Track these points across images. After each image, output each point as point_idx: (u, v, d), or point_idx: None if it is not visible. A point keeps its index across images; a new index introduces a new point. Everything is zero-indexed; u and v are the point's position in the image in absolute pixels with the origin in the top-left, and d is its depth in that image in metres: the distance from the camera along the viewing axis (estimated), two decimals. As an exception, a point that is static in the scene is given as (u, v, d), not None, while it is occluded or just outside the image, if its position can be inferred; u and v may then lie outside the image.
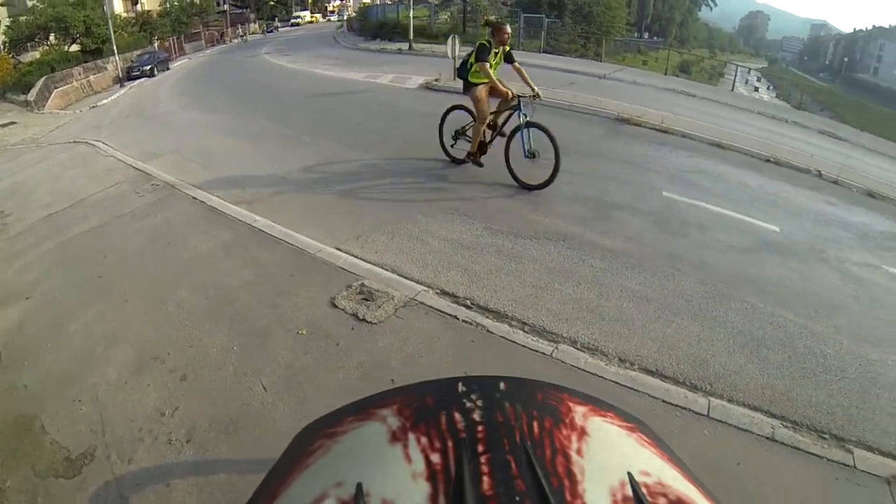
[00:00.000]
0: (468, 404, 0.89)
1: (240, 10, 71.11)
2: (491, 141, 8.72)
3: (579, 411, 0.91)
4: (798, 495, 3.73)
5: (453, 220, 7.45)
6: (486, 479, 0.70)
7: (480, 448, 0.77)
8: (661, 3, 66.87)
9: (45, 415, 4.55)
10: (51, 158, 15.37)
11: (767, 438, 4.23)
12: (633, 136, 11.86)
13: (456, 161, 9.39)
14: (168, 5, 53.84)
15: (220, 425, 4.11)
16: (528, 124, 7.92)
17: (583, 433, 0.83)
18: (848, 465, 4.02)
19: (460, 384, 0.96)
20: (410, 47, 30.72)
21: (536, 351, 4.80)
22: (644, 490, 0.70)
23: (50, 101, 30.33)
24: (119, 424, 4.29)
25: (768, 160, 11.41)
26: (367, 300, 5.55)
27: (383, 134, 12.32)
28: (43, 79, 31.24)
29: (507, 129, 8.35)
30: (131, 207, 9.25)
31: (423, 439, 0.81)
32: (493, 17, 37.98)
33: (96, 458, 4.00)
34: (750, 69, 43.90)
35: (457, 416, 0.86)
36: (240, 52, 43.73)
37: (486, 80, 8.09)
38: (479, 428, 0.82)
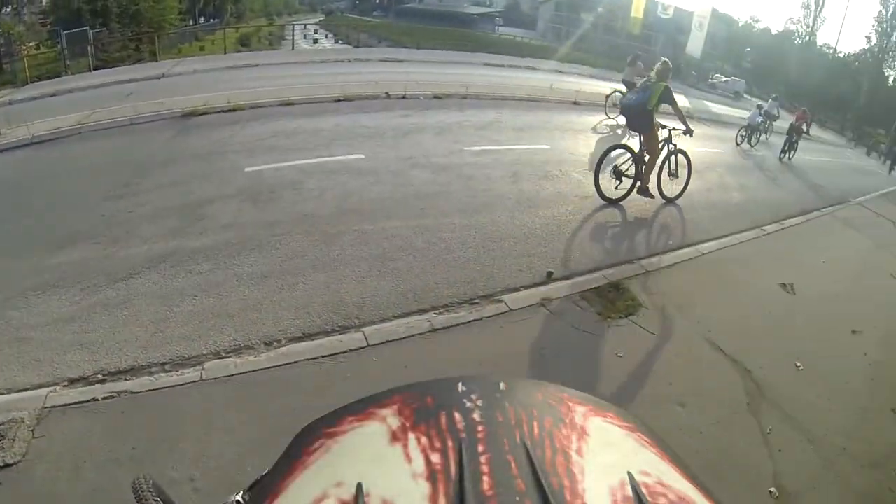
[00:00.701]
0: (468, 404, 0.83)
1: None
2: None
3: (579, 411, 0.86)
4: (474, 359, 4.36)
5: (48, 297, 6.56)
6: (486, 479, 0.66)
7: (480, 448, 0.73)
8: (210, -18, 64.99)
9: None
10: None
11: (428, 332, 4.69)
12: (204, 126, 11.45)
13: (611, 201, 8.97)
14: None
15: None
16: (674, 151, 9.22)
17: (583, 433, 0.80)
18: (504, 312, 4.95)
19: (460, 384, 0.89)
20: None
21: (186, 383, 4.47)
22: (644, 490, 0.68)
23: None
24: None
25: (338, 100, 12.08)
26: (-3, 438, 4.74)
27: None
28: None
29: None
30: None
31: (423, 439, 0.76)
32: (32, 45, 33.15)
33: None
34: (306, 24, 45.66)
35: (457, 416, 0.81)
36: None
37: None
38: (479, 428, 0.78)
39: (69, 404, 4.73)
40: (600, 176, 8.34)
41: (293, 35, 32.59)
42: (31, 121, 14.52)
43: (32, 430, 4.55)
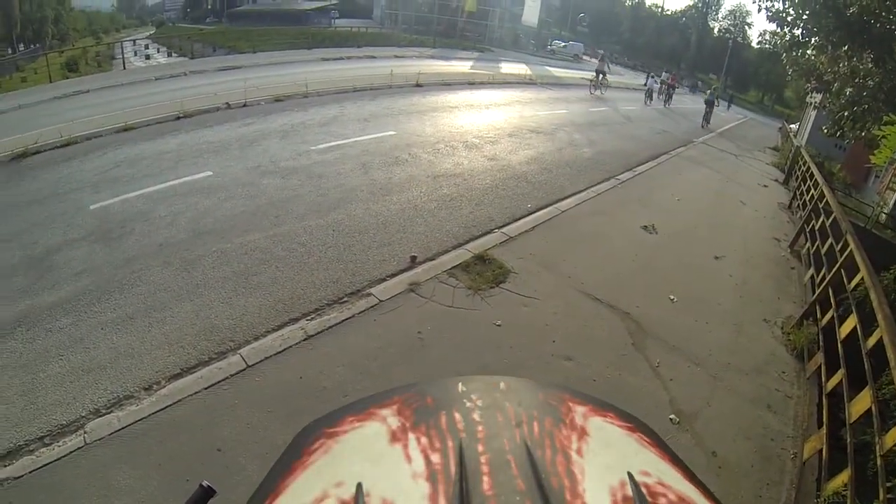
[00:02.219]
0: (468, 404, 0.87)
1: None
2: None
3: (579, 411, 0.89)
4: (358, 357, 4.37)
5: None
6: (486, 479, 0.69)
7: (480, 448, 0.75)
8: (28, 4, 59.76)
9: None
10: None
11: (304, 340, 4.77)
12: (37, 168, 10.35)
13: None
14: None
15: None
16: None
17: (583, 433, 0.82)
18: (374, 305, 5.06)
19: (460, 384, 0.94)
20: None
21: (71, 452, 4.09)
22: (644, 490, 0.70)
23: None
24: None
25: (179, 117, 11.62)
26: None
27: None
28: None
29: None
30: None
31: (423, 439, 0.78)
32: None
33: None
34: (136, 40, 43.13)
35: (457, 416, 0.83)
36: None
37: None
38: (479, 428, 0.81)
39: None
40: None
41: (123, 53, 30.79)
42: None
43: None
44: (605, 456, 0.80)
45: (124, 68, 27.35)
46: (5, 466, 4.16)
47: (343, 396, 4.15)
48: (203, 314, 5.14)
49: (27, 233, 7.64)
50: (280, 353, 4.77)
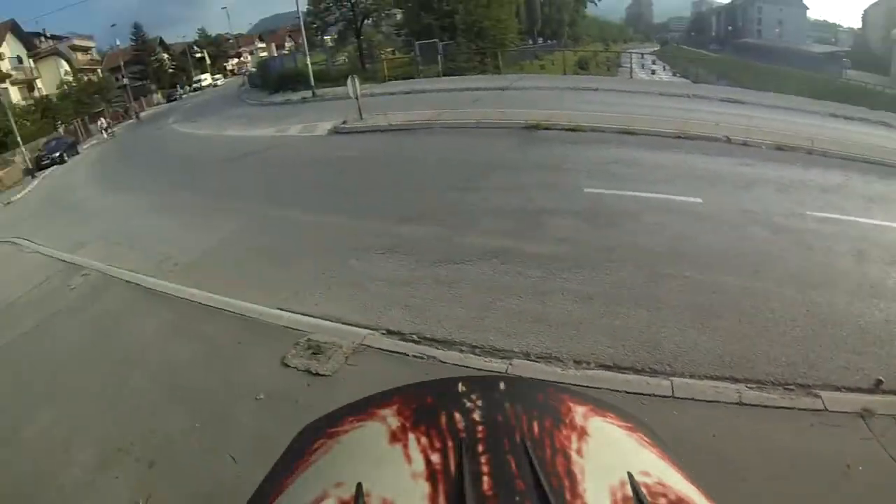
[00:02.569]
0: (468, 404, 0.86)
1: (140, 83, 70.06)
2: None
3: (579, 411, 0.87)
4: (779, 455, 3.82)
5: (386, 258, 7.50)
6: (486, 479, 0.68)
7: (480, 448, 0.75)
8: (548, 7, 68.83)
9: None
10: None
11: (736, 404, 4.38)
12: (546, 140, 12.15)
13: None
14: (66, 87, 52.61)
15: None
16: None
17: (583, 433, 0.80)
18: (819, 410, 4.20)
19: (460, 384, 0.89)
20: (314, 94, 30.67)
21: (491, 371, 4.80)
22: (644, 490, 0.68)
23: None
24: None
25: (678, 136, 11.80)
26: (316, 354, 5.48)
27: (303, 185, 12.35)
28: None
29: None
30: (66, 302, 8.95)
31: (423, 439, 0.78)
32: (389, 50, 38.49)
33: None
34: (643, 54, 45.15)
35: (457, 416, 0.83)
36: (146, 125, 43.00)
37: None
38: (479, 428, 0.79)
39: (381, 349, 5.41)
40: None
41: (631, 63, 32.29)
42: (389, 111, 16.70)
43: (346, 357, 5.29)
44: (605, 456, 0.76)
45: (631, 77, 28.70)
46: (437, 349, 5.27)
47: (741, 481, 3.71)
48: (653, 328, 5.15)
49: (527, 190, 9.13)
50: (708, 401, 4.48)
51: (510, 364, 4.88)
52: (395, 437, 0.81)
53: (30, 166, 33.85)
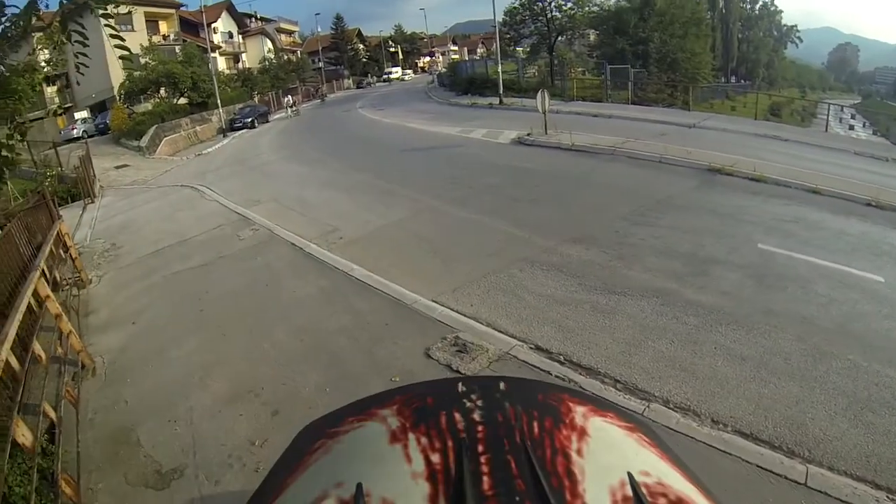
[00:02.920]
0: (468, 404, 0.91)
1: (334, 67, 75.38)
2: None
3: (579, 411, 0.92)
4: None
5: (547, 274, 7.74)
6: (486, 479, 0.72)
7: (480, 448, 0.79)
8: (745, 44, 65.55)
9: (142, 430, 5.20)
10: (160, 200, 17.11)
11: (875, 509, 4.16)
12: (727, 186, 11.82)
13: None
14: (267, 63, 57.79)
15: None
16: None
17: (583, 433, 0.85)
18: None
19: (460, 384, 0.99)
20: (501, 102, 31.37)
21: (627, 409, 4.82)
22: (644, 490, 0.72)
23: (160, 147, 33.39)
24: (210, 448, 4.81)
25: (869, 204, 10.97)
26: (461, 352, 5.84)
27: (478, 189, 12.84)
28: (154, 127, 34.52)
29: None
30: (233, 249, 10.12)
31: (423, 439, 0.83)
32: (580, 70, 38.40)
33: (185, 476, 4.52)
34: (843, 106, 41.77)
35: (457, 416, 0.88)
36: (334, 106, 45.74)
37: None
38: (479, 428, 0.85)
39: (526, 362, 5.72)
40: None
41: (828, 115, 30.03)
42: (573, 131, 16.86)
43: (490, 362, 5.66)
44: (605, 456, 0.79)
45: (826, 131, 26.79)
46: (579, 374, 5.27)
47: None
48: (802, 406, 4.98)
49: (699, 233, 9.01)
50: (841, 501, 4.26)
51: (647, 406, 4.95)
52: (395, 437, 0.86)
53: (223, 127, 38.59)
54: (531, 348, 5.96)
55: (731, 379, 5.31)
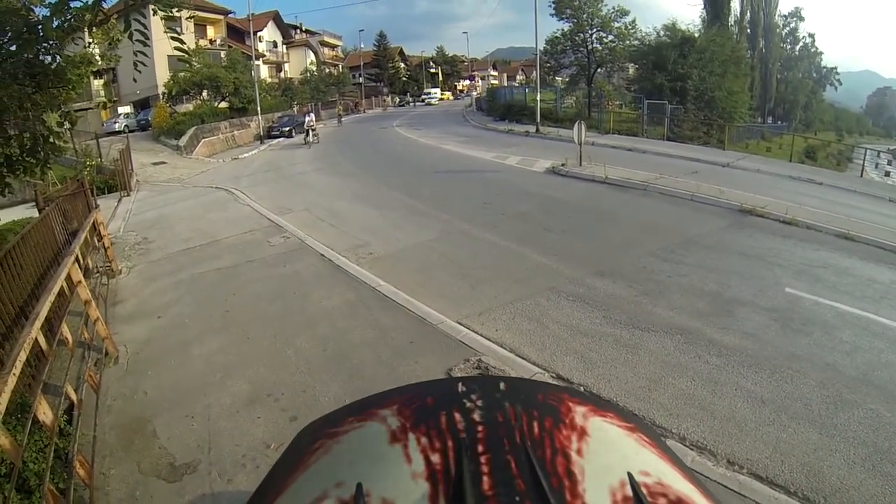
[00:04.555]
0: (468, 404, 0.91)
1: (374, 84, 76.61)
2: None
3: (579, 411, 0.93)
4: None
5: (573, 305, 7.80)
6: (485, 479, 0.72)
7: (480, 448, 0.80)
8: (783, 85, 64.95)
9: (159, 422, 5.34)
10: (194, 199, 17.57)
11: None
12: (757, 228, 11.75)
13: None
14: (308, 75, 58.92)
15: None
16: None
17: (583, 433, 0.86)
18: None
19: (460, 384, 1.00)
20: (537, 130, 31.63)
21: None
22: (644, 490, 0.73)
23: (197, 148, 34.39)
24: (225, 447, 4.92)
25: (905, 251, 10.85)
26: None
27: (509, 215, 12.94)
28: (193, 128, 35.59)
29: None
30: (262, 254, 10.36)
31: (423, 439, 0.84)
32: (617, 103, 38.48)
33: (198, 471, 4.62)
34: (880, 152, 40.92)
35: (457, 416, 0.89)
36: (371, 122, 46.18)
37: None
38: (479, 428, 0.85)
39: None
40: None
41: (864, 160, 29.54)
42: (607, 164, 17.00)
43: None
44: (605, 456, 0.80)
45: (861, 176, 26.39)
46: None
47: None
48: (820, 454, 4.94)
49: (726, 274, 8.99)
50: None
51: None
52: (395, 437, 0.87)
53: (261, 133, 39.27)
54: (553, 377, 6.00)
55: (750, 421, 5.29)
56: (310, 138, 32.97)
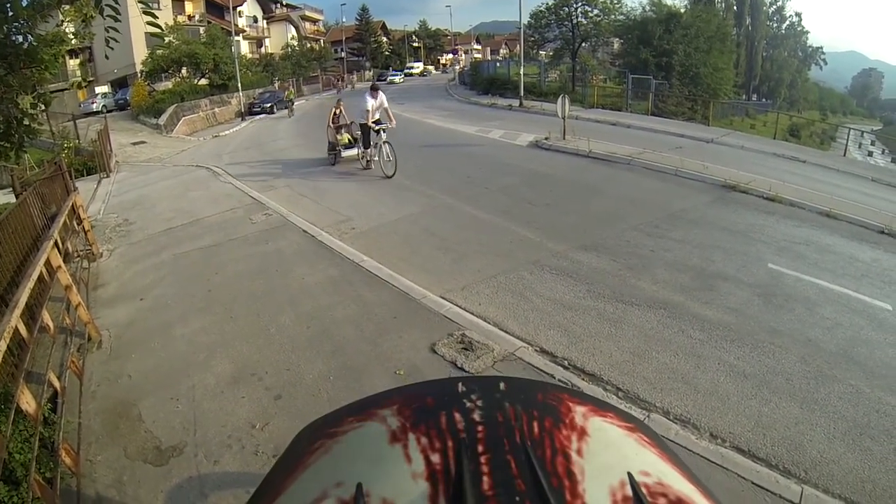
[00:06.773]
0: (468, 404, 0.91)
1: (356, 58, 75.75)
2: None
3: (579, 411, 0.93)
4: None
5: (557, 279, 7.79)
6: (485, 479, 0.72)
7: (480, 448, 0.79)
8: (769, 63, 65.28)
9: (144, 405, 5.26)
10: (174, 178, 17.27)
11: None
12: (740, 204, 11.80)
13: None
14: (290, 50, 58.12)
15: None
16: None
17: (583, 433, 0.85)
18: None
19: (460, 384, 0.99)
20: (521, 104, 31.45)
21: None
22: (644, 490, 0.72)
23: (178, 126, 33.89)
24: (210, 428, 4.86)
25: (883, 231, 10.89)
26: (466, 350, 5.86)
27: (493, 189, 12.89)
28: (173, 106, 35.05)
29: None
30: (244, 232, 10.21)
31: (423, 439, 0.83)
32: (602, 78, 38.39)
33: (184, 454, 4.57)
34: (863, 132, 41.18)
35: (457, 416, 0.88)
36: (354, 97, 45.54)
37: None
38: (479, 428, 0.85)
39: (530, 364, 5.77)
40: None
41: (847, 140, 29.75)
42: (591, 138, 17.05)
43: (494, 362, 5.67)
44: (605, 456, 0.79)
45: (844, 155, 26.61)
46: (582, 380, 4.89)
47: None
48: (801, 427, 4.99)
49: (710, 249, 9.03)
50: None
51: (648, 416, 4.97)
52: (395, 437, 0.86)
53: (242, 110, 38.68)
54: (536, 351, 5.99)
55: (733, 395, 5.32)
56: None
